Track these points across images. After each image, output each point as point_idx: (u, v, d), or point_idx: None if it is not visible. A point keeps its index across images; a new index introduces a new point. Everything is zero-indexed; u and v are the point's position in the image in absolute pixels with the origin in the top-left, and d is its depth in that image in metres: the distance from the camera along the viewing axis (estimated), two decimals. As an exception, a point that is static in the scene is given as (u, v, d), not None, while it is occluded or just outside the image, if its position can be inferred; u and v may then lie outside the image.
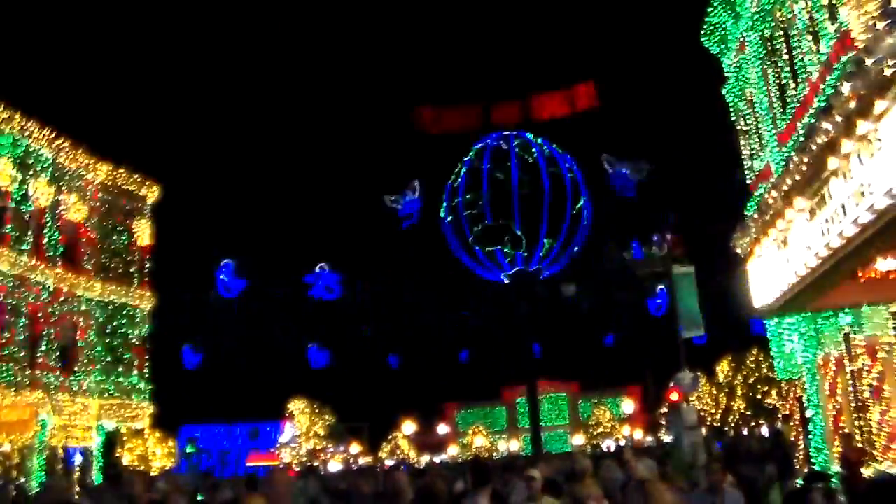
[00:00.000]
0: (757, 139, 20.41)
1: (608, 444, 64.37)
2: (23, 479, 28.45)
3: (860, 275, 13.22)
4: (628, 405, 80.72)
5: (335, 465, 56.64)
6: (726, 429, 40.68)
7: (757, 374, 41.12)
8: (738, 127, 22.12)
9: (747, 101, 20.71)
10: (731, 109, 22.22)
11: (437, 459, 65.87)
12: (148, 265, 39.33)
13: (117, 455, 36.36)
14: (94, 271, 35.96)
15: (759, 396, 40.57)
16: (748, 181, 22.22)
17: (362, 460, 67.21)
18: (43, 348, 32.62)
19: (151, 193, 39.98)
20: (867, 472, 15.37)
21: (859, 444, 16.87)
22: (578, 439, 77.99)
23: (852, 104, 9.61)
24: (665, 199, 33.01)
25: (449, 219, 42.13)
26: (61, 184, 34.45)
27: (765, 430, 37.32)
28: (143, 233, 39.33)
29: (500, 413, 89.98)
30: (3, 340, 30.44)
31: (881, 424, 16.17)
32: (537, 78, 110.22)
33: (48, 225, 33.62)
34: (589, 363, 62.26)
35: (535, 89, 45.80)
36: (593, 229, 39.59)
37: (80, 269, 35.20)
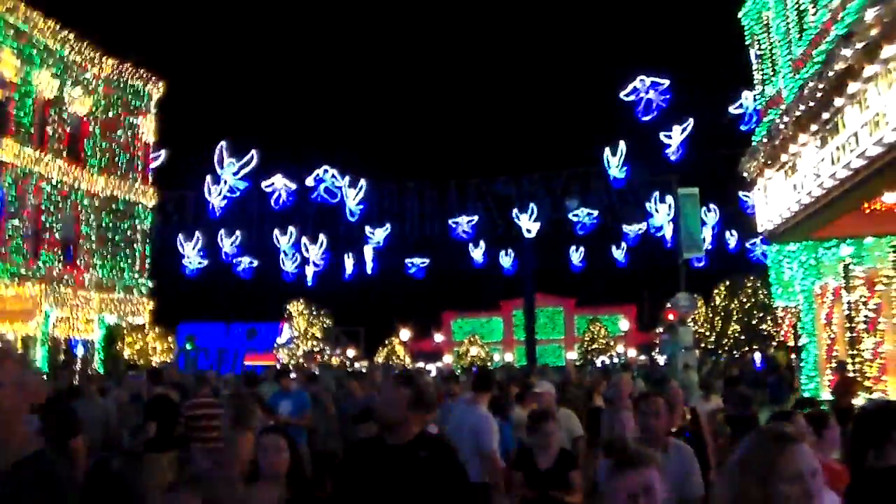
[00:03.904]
0: (770, 65, 20.18)
1: (602, 360, 65.08)
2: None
3: (865, 206, 13.22)
4: (624, 323, 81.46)
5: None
6: (720, 352, 41.01)
7: (753, 300, 41.34)
8: (753, 51, 21.84)
9: (763, 25, 20.41)
10: (747, 33, 21.91)
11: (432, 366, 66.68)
12: (151, 162, 39.27)
13: (118, 348, 36.78)
14: (97, 166, 35.90)
15: (754, 322, 40.85)
16: (758, 107, 22.04)
17: (358, 364, 68.02)
18: (46, 239, 32.78)
19: (157, 89, 39.67)
20: (857, 401, 15.58)
21: (851, 374, 17.09)
22: (572, 354, 78.86)
23: (874, 31, 9.48)
24: (673, 119, 32.46)
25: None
26: (65, 77, 34.12)
27: (757, 356, 37.65)
28: (148, 129, 39.17)
29: (496, 324, 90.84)
30: (7, 232, 30.58)
31: (874, 356, 16.36)
32: None
33: (52, 118, 33.41)
34: (586, 280, 62.38)
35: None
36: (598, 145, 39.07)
37: (83, 164, 35.13)
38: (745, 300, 41.95)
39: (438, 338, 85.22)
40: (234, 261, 40.15)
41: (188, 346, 63.88)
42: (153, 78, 39.31)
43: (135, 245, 37.97)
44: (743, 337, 41.06)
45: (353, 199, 36.58)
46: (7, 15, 30.72)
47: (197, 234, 39.10)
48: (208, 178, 32.47)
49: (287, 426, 9.80)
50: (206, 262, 39.52)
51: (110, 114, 36.85)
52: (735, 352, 40.66)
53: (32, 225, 32.10)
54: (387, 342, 76.50)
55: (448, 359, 79.61)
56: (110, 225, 36.47)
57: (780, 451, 2.78)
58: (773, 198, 16.87)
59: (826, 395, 17.64)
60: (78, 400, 11.17)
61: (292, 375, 15.06)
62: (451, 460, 4.79)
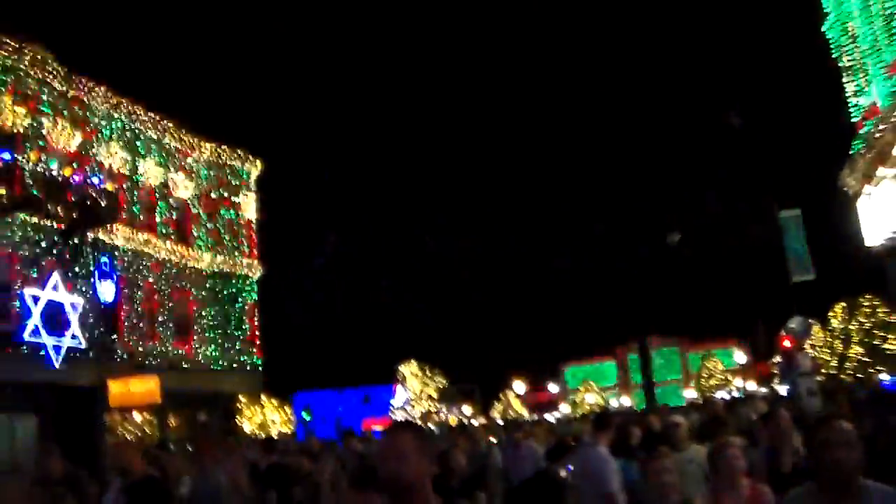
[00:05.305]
0: (862, 75, 19.77)
1: (721, 396, 63.42)
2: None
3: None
4: (740, 356, 79.25)
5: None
6: (842, 377, 39.43)
7: (874, 320, 39.79)
8: (841, 64, 21.44)
9: (850, 36, 20.06)
10: (833, 46, 21.54)
11: (549, 418, 66.01)
12: (254, 237, 40.40)
13: (237, 422, 37.39)
14: (203, 245, 37.08)
15: (875, 342, 39.24)
16: (853, 119, 21.53)
17: (475, 421, 67.72)
18: (160, 320, 33.92)
19: (255, 168, 40.99)
20: None
21: None
22: (690, 393, 77.07)
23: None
24: (767, 143, 31.91)
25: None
26: (169, 163, 35.60)
27: (885, 377, 36.19)
28: (249, 206, 40.40)
29: (609, 369, 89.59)
30: (124, 313, 31.79)
31: None
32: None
33: (159, 203, 34.82)
34: (697, 314, 61.29)
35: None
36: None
37: (190, 243, 36.38)
38: (864, 320, 40.33)
39: (553, 388, 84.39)
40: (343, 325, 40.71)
41: (305, 416, 64.75)
42: (250, 157, 40.63)
43: (244, 318, 38.90)
44: (867, 359, 39.39)
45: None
46: (113, 111, 32.32)
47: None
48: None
49: None
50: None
51: (213, 195, 38.16)
52: (860, 375, 39.05)
53: (147, 306, 33.31)
54: (501, 396, 76.07)
55: (564, 408, 78.69)
56: (219, 301, 37.42)
57: None
58: (881, 209, 16.43)
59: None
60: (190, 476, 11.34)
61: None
62: None
